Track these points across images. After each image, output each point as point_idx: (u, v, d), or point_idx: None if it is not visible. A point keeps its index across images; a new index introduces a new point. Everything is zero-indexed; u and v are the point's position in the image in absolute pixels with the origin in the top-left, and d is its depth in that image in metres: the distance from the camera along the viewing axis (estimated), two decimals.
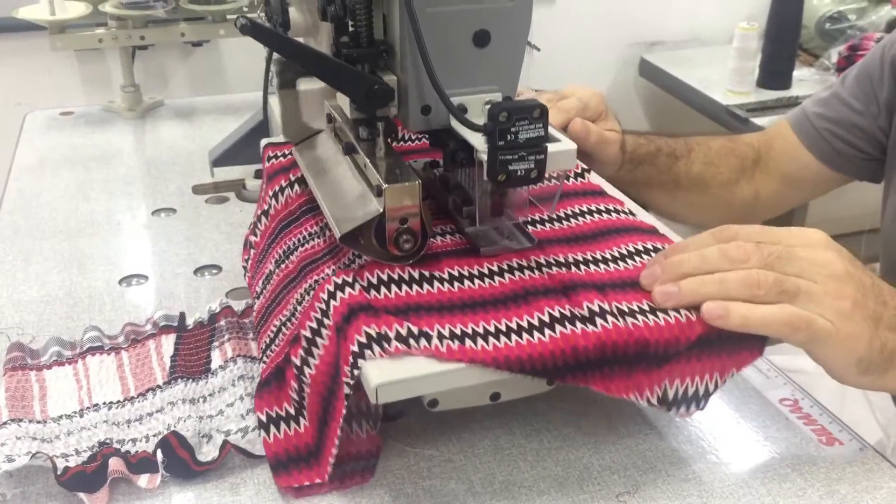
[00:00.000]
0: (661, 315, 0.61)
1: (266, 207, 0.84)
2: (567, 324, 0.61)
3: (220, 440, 0.66)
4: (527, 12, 0.67)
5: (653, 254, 0.70)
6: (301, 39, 0.83)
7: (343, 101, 0.72)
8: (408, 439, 0.68)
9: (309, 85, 0.80)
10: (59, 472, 0.62)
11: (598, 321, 0.61)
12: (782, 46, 1.95)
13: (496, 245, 0.70)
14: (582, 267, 0.68)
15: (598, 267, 0.68)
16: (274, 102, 1.03)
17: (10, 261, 0.94)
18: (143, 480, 0.63)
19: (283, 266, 0.76)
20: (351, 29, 0.69)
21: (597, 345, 0.59)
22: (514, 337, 0.60)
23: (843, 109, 1.02)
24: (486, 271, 0.67)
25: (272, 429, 0.66)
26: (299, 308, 0.69)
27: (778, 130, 1.10)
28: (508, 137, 0.61)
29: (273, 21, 0.84)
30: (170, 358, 0.76)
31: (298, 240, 0.76)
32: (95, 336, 0.79)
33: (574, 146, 0.67)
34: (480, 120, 0.63)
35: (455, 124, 0.67)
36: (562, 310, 0.62)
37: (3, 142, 1.40)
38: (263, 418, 0.67)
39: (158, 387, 0.73)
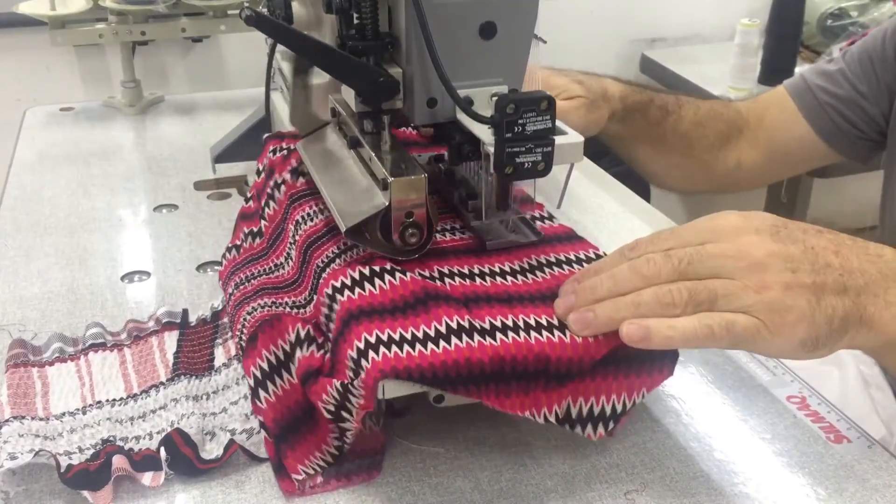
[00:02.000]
0: (567, 332, 0.59)
1: (263, 203, 0.83)
2: (464, 336, 0.58)
3: (224, 438, 0.66)
4: (533, 4, 0.67)
5: (576, 265, 0.68)
6: (303, 32, 0.83)
7: (348, 94, 0.71)
8: (413, 436, 0.68)
9: (317, 79, 0.79)
10: (62, 470, 0.62)
11: (498, 335, 0.58)
12: (784, 43, 1.95)
13: (502, 239, 0.70)
14: (491, 279, 0.65)
15: (507, 280, 0.66)
16: (276, 98, 1.03)
17: (11, 257, 0.94)
18: (146, 478, 0.63)
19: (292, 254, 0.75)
20: (356, 21, 0.68)
21: (493, 358, 0.57)
22: (405, 347, 0.57)
23: (847, 87, 1.01)
24: (397, 281, 0.63)
25: (270, 428, 0.65)
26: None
27: (774, 99, 1.09)
28: (516, 129, 0.61)
29: (276, 14, 0.84)
30: (173, 355, 0.76)
31: (302, 217, 0.76)
32: (98, 332, 0.78)
33: (581, 139, 0.66)
34: (486, 112, 0.63)
35: (461, 117, 0.66)
36: (461, 321, 0.59)
37: (3, 137, 1.39)
38: (262, 418, 0.66)
39: (161, 384, 0.72)
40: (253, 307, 0.70)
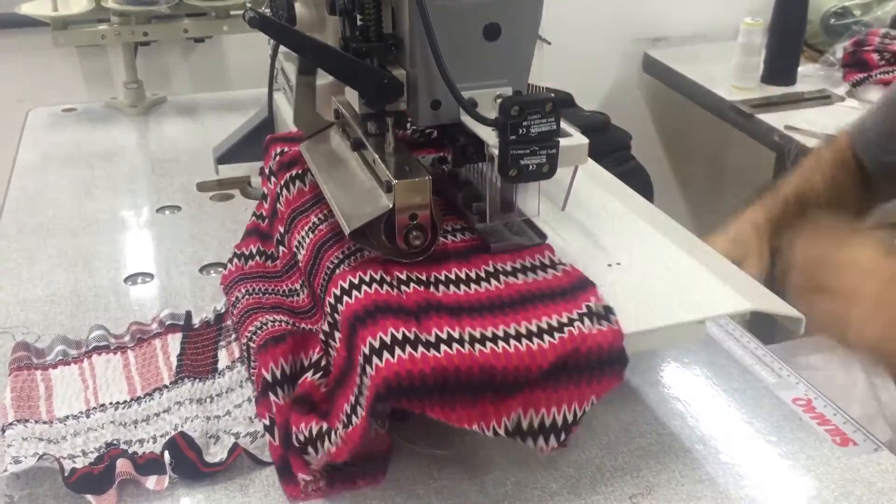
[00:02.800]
0: (512, 342, 0.58)
1: (273, 202, 0.83)
2: (409, 347, 0.57)
3: (228, 441, 0.66)
4: (537, 5, 0.66)
5: (530, 273, 0.66)
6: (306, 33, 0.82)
7: (351, 95, 0.71)
8: (419, 440, 0.67)
9: (320, 80, 0.79)
10: (66, 474, 0.61)
11: (443, 347, 0.57)
12: (787, 42, 1.94)
13: (506, 241, 0.70)
14: (444, 287, 0.64)
15: (461, 289, 0.64)
16: (279, 99, 1.02)
17: (14, 259, 0.94)
18: (150, 482, 0.63)
19: (302, 255, 0.75)
20: (359, 23, 0.68)
21: (436, 370, 0.56)
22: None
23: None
24: (346, 285, 0.63)
25: (277, 432, 0.65)
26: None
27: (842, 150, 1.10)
28: (520, 132, 0.60)
29: (279, 16, 0.84)
30: (176, 357, 0.76)
31: (309, 227, 0.75)
32: (101, 335, 0.78)
33: (586, 141, 0.66)
34: (491, 114, 0.62)
35: (465, 119, 0.66)
36: (407, 332, 0.58)
37: (5, 138, 1.39)
38: (267, 422, 0.66)
39: (165, 386, 0.72)
40: (273, 319, 0.70)
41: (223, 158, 1.11)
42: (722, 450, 0.67)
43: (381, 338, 0.58)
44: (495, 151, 0.61)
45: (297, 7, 0.82)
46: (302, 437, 0.61)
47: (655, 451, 0.67)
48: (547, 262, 0.68)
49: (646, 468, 0.65)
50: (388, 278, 0.64)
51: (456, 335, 0.58)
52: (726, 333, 0.81)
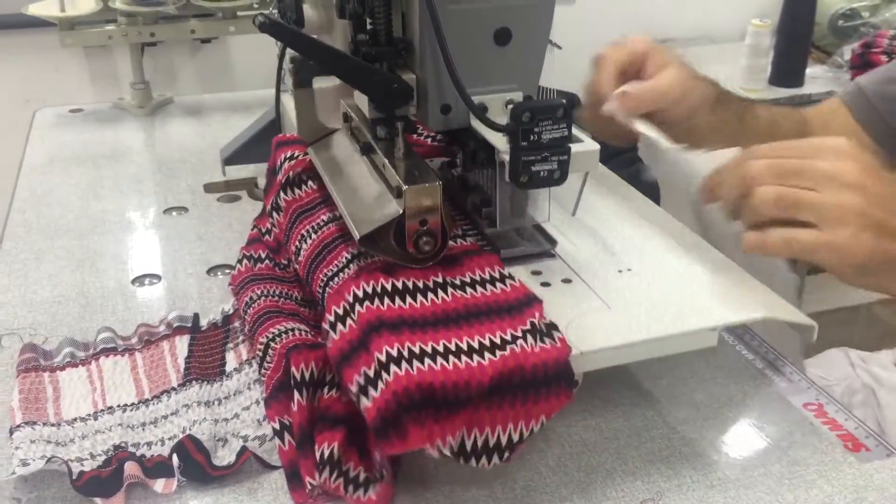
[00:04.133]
0: (451, 359, 0.57)
1: (273, 205, 0.82)
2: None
3: (236, 445, 0.66)
4: (549, 10, 0.66)
5: (479, 287, 0.65)
6: (315, 37, 0.82)
7: (360, 100, 0.71)
8: None
9: (324, 83, 0.79)
10: (74, 477, 0.61)
11: (393, 368, 0.56)
12: (795, 44, 1.93)
13: (516, 247, 0.69)
14: (389, 301, 0.63)
15: (406, 302, 0.63)
16: (287, 100, 1.02)
17: (22, 260, 0.94)
18: (158, 485, 0.62)
19: (302, 254, 0.75)
20: (369, 26, 0.68)
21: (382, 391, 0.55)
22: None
23: None
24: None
25: (286, 436, 0.65)
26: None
27: (834, 106, 1.07)
28: (531, 138, 0.60)
29: (286, 18, 0.83)
30: (184, 359, 0.76)
31: (313, 227, 0.75)
32: (109, 337, 0.78)
33: (597, 146, 0.66)
34: (501, 119, 0.62)
35: (475, 124, 0.66)
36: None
37: (13, 139, 1.39)
38: (277, 426, 0.66)
39: (173, 389, 0.72)
40: (299, 328, 0.70)
41: (230, 160, 1.11)
42: (733, 455, 0.67)
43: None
44: (506, 157, 0.61)
45: (306, 9, 0.82)
46: (326, 454, 0.61)
47: (666, 456, 0.66)
48: (497, 275, 0.66)
49: (657, 473, 0.65)
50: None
51: (394, 353, 0.57)
52: (737, 338, 0.81)
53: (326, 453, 0.60)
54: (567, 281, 0.69)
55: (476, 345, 0.59)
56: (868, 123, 1.02)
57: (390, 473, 0.61)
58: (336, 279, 0.68)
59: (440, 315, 0.62)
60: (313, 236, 0.74)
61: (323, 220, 0.75)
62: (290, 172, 0.80)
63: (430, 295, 0.63)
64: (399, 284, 0.64)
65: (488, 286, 0.65)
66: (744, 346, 0.80)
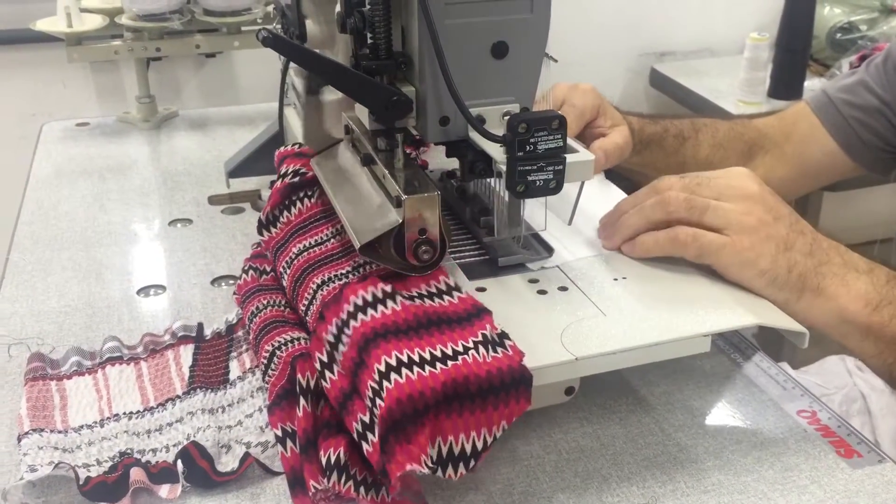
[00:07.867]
0: (404, 371, 0.58)
1: (271, 217, 0.84)
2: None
3: (239, 451, 0.67)
4: (545, 24, 0.68)
5: (419, 300, 0.65)
6: (317, 51, 0.84)
7: (361, 112, 0.72)
8: None
9: (330, 95, 0.80)
10: (81, 482, 0.63)
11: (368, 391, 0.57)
12: (793, 57, 1.95)
13: (514, 256, 0.71)
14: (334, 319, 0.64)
15: (357, 319, 0.62)
16: (290, 114, 1.04)
17: (29, 271, 0.95)
18: (163, 491, 0.64)
19: (293, 266, 0.76)
20: (370, 41, 0.69)
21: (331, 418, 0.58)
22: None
23: (870, 97, 1.02)
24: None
25: (289, 443, 0.66)
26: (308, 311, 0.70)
27: (799, 115, 1.09)
28: (528, 148, 0.62)
29: (289, 33, 0.85)
30: (188, 368, 0.77)
31: (311, 242, 0.77)
32: (115, 346, 0.79)
33: (592, 157, 0.67)
34: (498, 131, 0.64)
35: (473, 135, 0.67)
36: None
37: (20, 152, 1.41)
38: (279, 433, 0.67)
39: (178, 397, 0.73)
40: (300, 337, 0.72)
41: (234, 172, 1.13)
42: (727, 461, 0.68)
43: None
44: (503, 167, 0.63)
45: (309, 24, 0.84)
46: (333, 459, 0.62)
47: (661, 462, 0.67)
48: (443, 287, 0.67)
49: (652, 478, 0.66)
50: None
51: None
52: (731, 345, 0.82)
53: (333, 458, 0.61)
54: (563, 289, 0.71)
55: (428, 356, 0.59)
56: (836, 131, 1.04)
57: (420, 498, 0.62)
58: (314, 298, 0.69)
59: (390, 327, 0.61)
60: (298, 259, 0.76)
61: (307, 245, 0.76)
62: (283, 192, 0.82)
63: (380, 307, 0.63)
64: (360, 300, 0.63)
65: (436, 299, 0.66)
66: (739, 353, 0.81)
